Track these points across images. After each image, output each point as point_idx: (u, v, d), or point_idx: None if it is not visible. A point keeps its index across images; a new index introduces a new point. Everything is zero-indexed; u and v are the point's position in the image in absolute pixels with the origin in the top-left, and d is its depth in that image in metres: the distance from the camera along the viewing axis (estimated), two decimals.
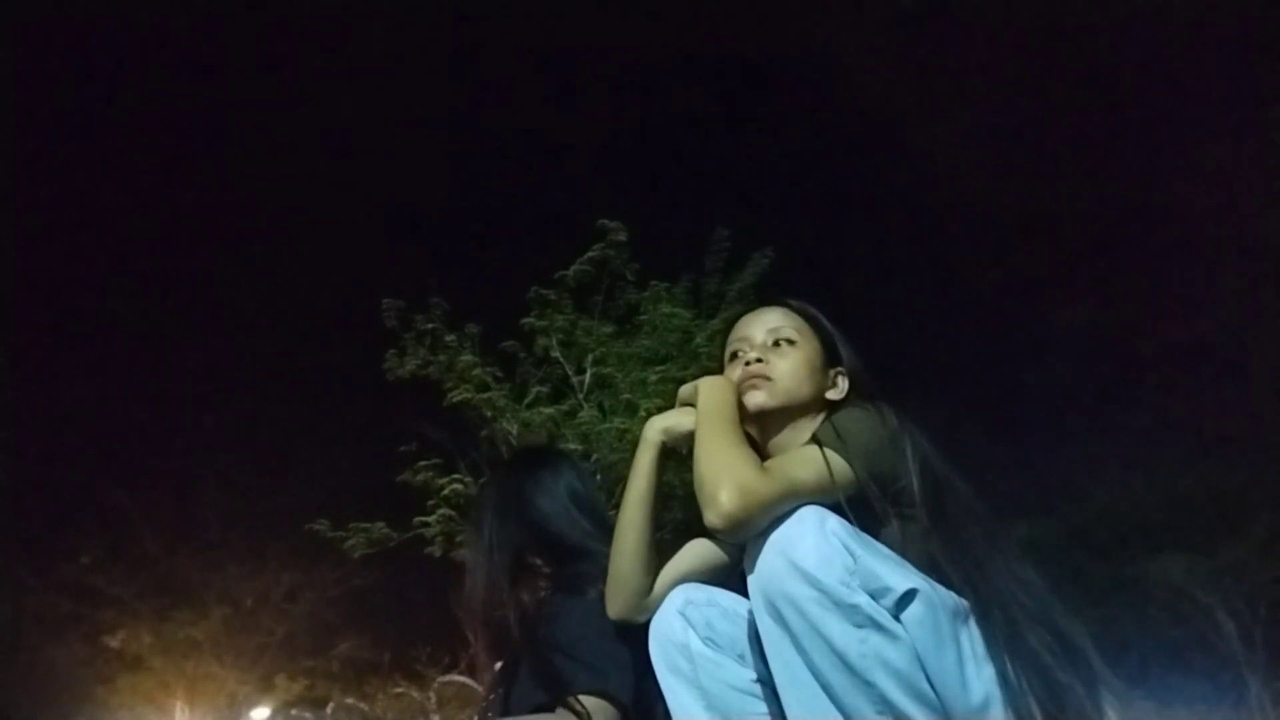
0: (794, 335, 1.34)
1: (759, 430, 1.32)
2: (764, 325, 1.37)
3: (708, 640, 1.17)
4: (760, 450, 1.29)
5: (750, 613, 1.10)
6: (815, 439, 1.13)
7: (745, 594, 1.10)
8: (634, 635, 1.29)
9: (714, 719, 1.14)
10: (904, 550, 1.06)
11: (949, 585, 1.04)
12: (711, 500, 1.04)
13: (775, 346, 1.33)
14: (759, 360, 1.31)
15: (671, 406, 1.37)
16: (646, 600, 1.27)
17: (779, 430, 1.30)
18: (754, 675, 1.16)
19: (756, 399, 1.29)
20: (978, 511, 1.15)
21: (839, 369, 1.34)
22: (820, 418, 1.29)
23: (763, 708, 1.14)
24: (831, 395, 1.32)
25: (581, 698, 1.26)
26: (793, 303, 1.40)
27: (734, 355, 1.37)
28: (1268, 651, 13.83)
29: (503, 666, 1.47)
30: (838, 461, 1.10)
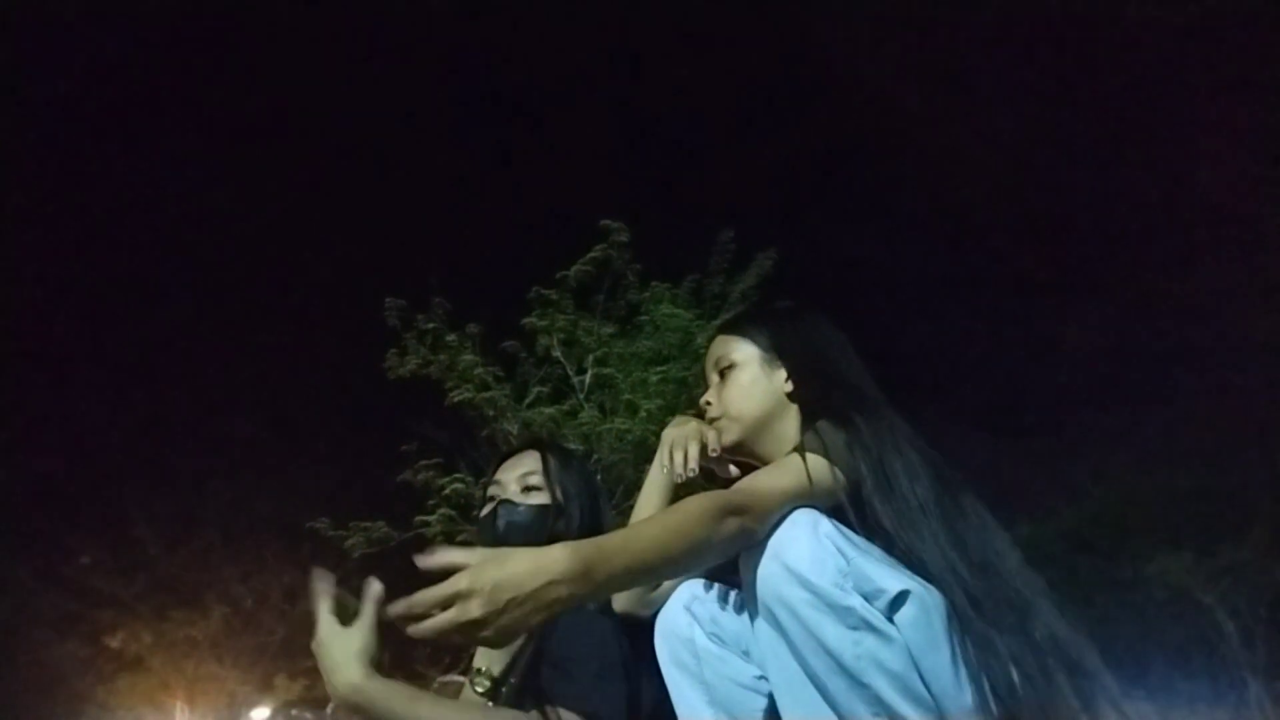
0: (733, 357, 1.37)
1: (747, 456, 1.35)
2: (711, 361, 1.41)
3: (713, 635, 1.18)
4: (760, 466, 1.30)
5: None
6: (801, 450, 1.14)
7: None
8: (636, 654, 1.29)
9: (718, 714, 1.15)
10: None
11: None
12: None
13: (723, 377, 1.37)
14: (708, 403, 1.37)
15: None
16: (653, 594, 1.28)
17: (758, 446, 1.33)
18: (758, 671, 1.16)
19: (722, 440, 1.33)
20: (966, 511, 1.15)
21: (778, 364, 1.35)
22: (795, 413, 1.31)
23: (766, 704, 1.15)
24: (786, 389, 1.33)
25: (561, 711, 1.24)
26: (729, 325, 1.45)
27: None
28: (1268, 651, 13.83)
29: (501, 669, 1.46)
30: (818, 465, 1.11)
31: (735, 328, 1.42)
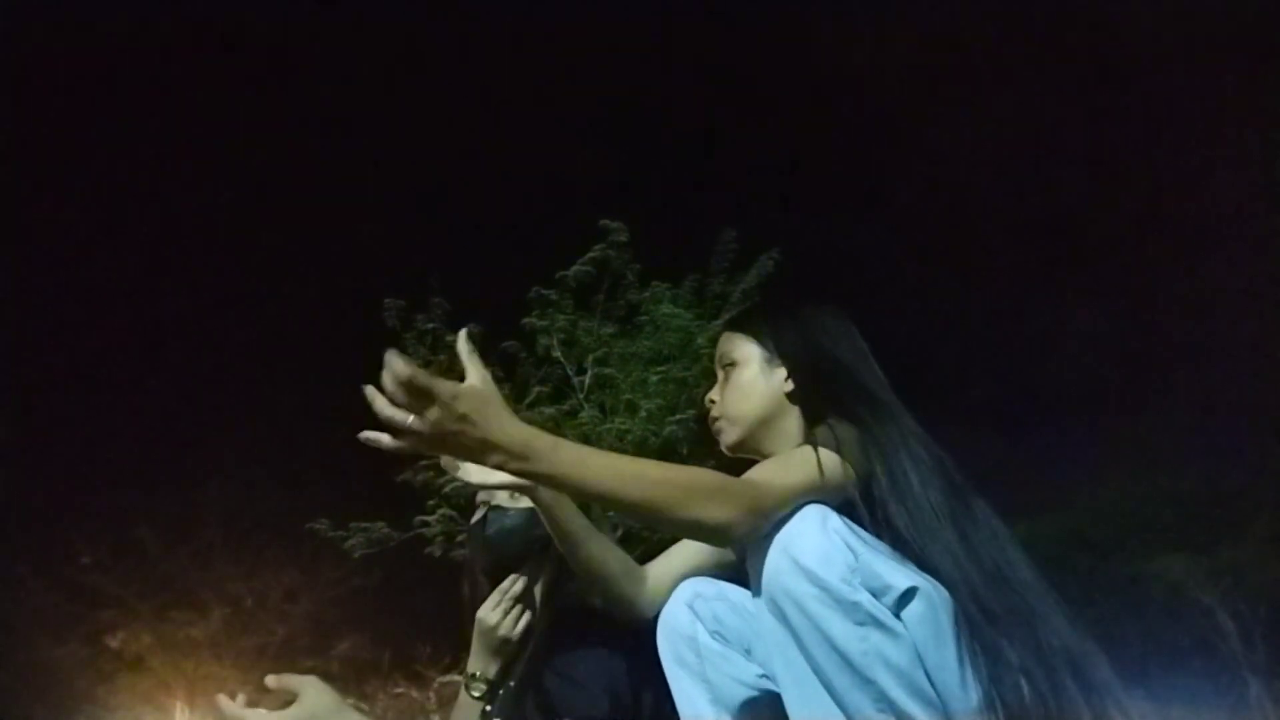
0: (735, 355, 1.37)
1: (750, 454, 1.35)
2: (717, 358, 1.43)
3: (715, 634, 1.18)
4: None
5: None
6: (814, 443, 1.14)
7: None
8: (637, 660, 1.29)
9: (719, 713, 1.15)
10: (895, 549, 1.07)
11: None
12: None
13: (726, 376, 1.38)
14: (712, 400, 1.38)
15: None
16: (645, 590, 1.26)
17: (762, 444, 1.33)
18: (760, 670, 1.16)
19: (723, 440, 1.36)
20: (972, 510, 1.15)
21: (778, 363, 1.35)
22: (797, 413, 1.31)
23: (769, 702, 1.14)
24: (786, 389, 1.33)
25: (566, 718, 1.25)
26: (734, 323, 1.46)
27: None
28: (1268, 651, 13.84)
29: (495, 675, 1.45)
30: (830, 460, 1.11)
31: (739, 325, 1.43)
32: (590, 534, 1.26)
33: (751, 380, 1.34)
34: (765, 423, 1.32)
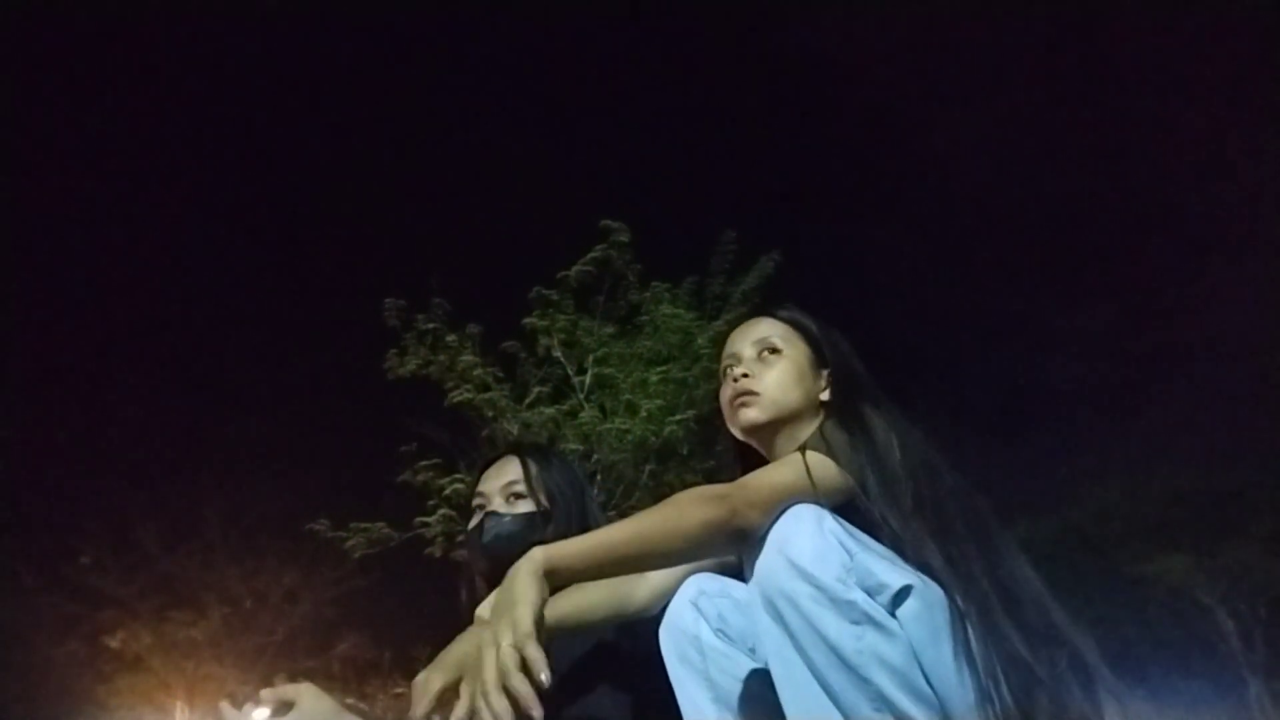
0: (779, 344, 1.35)
1: (761, 444, 1.34)
2: (749, 338, 1.38)
3: (719, 632, 1.17)
4: (768, 462, 1.29)
5: None
6: (803, 448, 1.14)
7: None
8: (638, 658, 1.28)
9: (722, 712, 1.14)
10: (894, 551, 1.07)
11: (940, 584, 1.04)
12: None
13: (761, 358, 1.35)
14: (745, 375, 1.33)
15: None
16: (649, 588, 1.25)
17: (777, 439, 1.32)
18: (765, 669, 1.15)
19: (747, 416, 1.31)
20: (970, 512, 1.15)
21: (826, 370, 1.34)
22: (817, 421, 1.29)
23: (772, 702, 1.14)
24: (822, 397, 1.32)
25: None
26: (779, 311, 1.41)
27: (725, 372, 1.38)
28: (1268, 651, 13.83)
29: None
30: (820, 463, 1.10)
31: (785, 319, 1.39)
32: (577, 607, 1.19)
33: (799, 375, 1.32)
34: (796, 418, 1.31)
